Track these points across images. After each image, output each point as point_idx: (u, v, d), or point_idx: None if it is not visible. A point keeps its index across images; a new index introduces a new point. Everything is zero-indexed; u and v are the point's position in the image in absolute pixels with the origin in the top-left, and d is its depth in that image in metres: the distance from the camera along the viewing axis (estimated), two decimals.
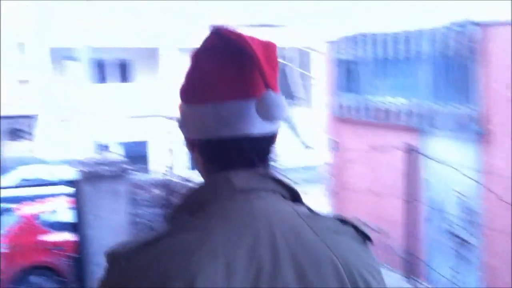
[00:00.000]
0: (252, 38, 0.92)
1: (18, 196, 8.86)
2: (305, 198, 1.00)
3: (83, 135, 14.68)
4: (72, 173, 5.95)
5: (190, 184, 6.32)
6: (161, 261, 0.86)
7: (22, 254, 6.61)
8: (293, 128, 20.78)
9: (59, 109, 15.41)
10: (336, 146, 10.41)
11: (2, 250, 6.66)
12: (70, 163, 6.05)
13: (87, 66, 15.18)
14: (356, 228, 0.99)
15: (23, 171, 11.60)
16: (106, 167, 6.02)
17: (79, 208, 6.26)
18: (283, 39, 18.42)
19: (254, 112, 0.92)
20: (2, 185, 11.06)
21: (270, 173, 0.98)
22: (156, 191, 6.74)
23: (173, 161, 7.10)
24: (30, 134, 14.96)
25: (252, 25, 18.39)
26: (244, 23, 18.18)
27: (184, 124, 1.00)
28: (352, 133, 9.67)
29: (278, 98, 0.91)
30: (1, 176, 11.37)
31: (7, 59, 15.77)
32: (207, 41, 0.96)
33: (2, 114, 14.28)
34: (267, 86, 0.90)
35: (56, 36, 15.36)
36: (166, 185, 6.75)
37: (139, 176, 6.81)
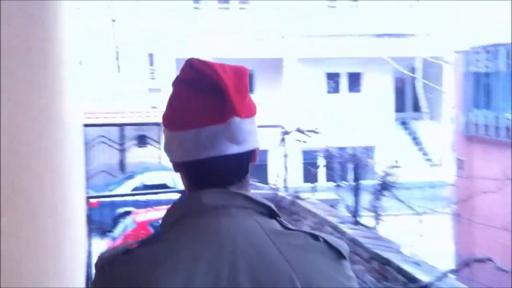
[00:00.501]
0: (223, 67, 1.03)
1: (136, 201, 9.28)
2: (278, 213, 1.06)
3: None
4: None
5: (298, 200, 6.11)
6: (131, 271, 0.98)
7: None
8: (417, 143, 19.77)
9: None
10: (463, 165, 9.61)
11: None
12: None
13: None
14: (329, 244, 1.02)
15: (146, 177, 12.17)
16: None
17: None
18: (412, 48, 17.64)
19: (226, 135, 1.02)
20: (125, 190, 11.72)
21: (243, 190, 1.06)
22: None
23: (285, 173, 6.89)
24: (157, 141, 15.73)
25: (379, 35, 17.87)
26: (372, 32, 17.73)
27: (168, 148, 1.09)
28: (481, 152, 8.85)
29: (243, 123, 1.02)
30: (125, 181, 12.06)
31: (138, 68, 16.81)
32: (182, 73, 1.06)
33: (132, 121, 15.22)
34: (234, 112, 1.00)
35: (181, 47, 16.01)
36: (273, 200, 6.60)
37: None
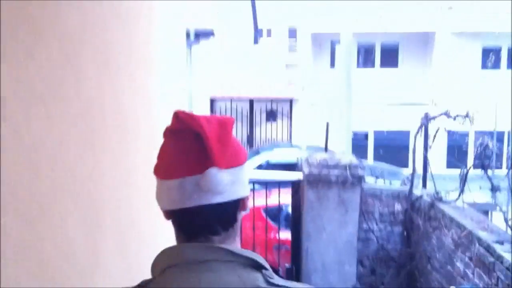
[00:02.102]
0: (208, 119, 1.07)
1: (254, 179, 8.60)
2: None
3: (339, 123, 14.10)
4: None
5: (439, 203, 4.87)
6: None
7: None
8: None
9: (320, 94, 15.12)
10: None
11: None
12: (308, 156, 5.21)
13: (350, 50, 14.46)
14: None
15: (272, 154, 11.52)
16: (336, 171, 5.00)
17: (296, 214, 5.43)
18: None
19: (203, 185, 1.05)
20: (250, 166, 11.17)
21: (229, 240, 1.09)
22: (396, 205, 5.45)
23: (425, 164, 5.62)
24: (288, 117, 15.01)
25: None
26: None
27: (158, 196, 1.12)
28: None
29: (221, 173, 1.05)
30: (251, 157, 11.51)
31: (276, 44, 16.16)
32: (171, 125, 1.10)
33: (265, 96, 14.64)
34: (212, 163, 1.03)
35: (320, 22, 15.05)
36: (407, 198, 5.40)
37: (376, 185, 5.59)
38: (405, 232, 5.44)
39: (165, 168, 1.09)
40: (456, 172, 6.32)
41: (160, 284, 1.05)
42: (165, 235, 3.79)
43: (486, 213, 5.39)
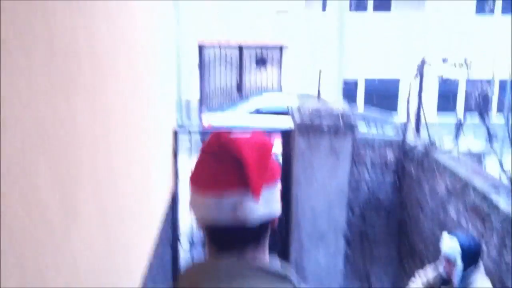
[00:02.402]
0: (247, 143, 1.10)
1: (248, 126, 8.45)
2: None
3: (330, 69, 13.84)
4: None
5: (433, 152, 4.76)
6: None
7: None
8: None
9: (311, 40, 14.77)
10: None
11: None
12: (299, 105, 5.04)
13: None
14: None
15: (262, 101, 11.32)
16: (329, 120, 4.85)
17: (286, 164, 5.31)
18: None
19: (247, 204, 1.10)
20: (240, 113, 10.98)
21: (259, 253, 1.15)
22: (389, 153, 5.35)
23: (419, 112, 5.49)
24: (278, 64, 14.71)
25: None
26: None
27: (193, 207, 1.15)
28: None
29: (253, 205, 1.09)
30: (241, 104, 11.31)
31: None
32: (209, 144, 1.14)
33: (256, 43, 14.25)
34: (250, 190, 1.08)
35: None
36: (400, 147, 5.29)
37: (369, 133, 5.46)
38: (397, 181, 5.37)
39: (202, 184, 1.13)
40: (446, 120, 6.20)
41: None
42: (147, 194, 3.63)
43: (480, 161, 5.31)
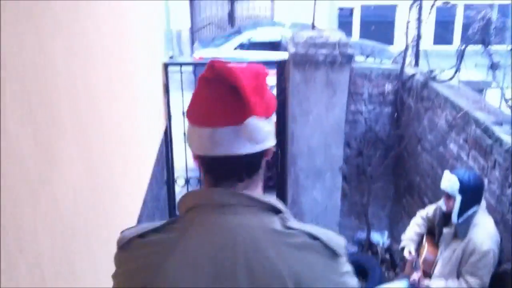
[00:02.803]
0: (243, 70, 1.10)
1: (235, 58, 8.16)
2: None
3: None
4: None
5: (432, 82, 4.59)
6: (145, 255, 1.12)
7: None
8: None
9: None
10: None
11: None
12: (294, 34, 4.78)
13: None
14: (324, 244, 1.11)
15: (254, 33, 10.94)
16: (325, 51, 4.63)
17: (281, 97, 5.12)
18: None
19: (242, 135, 1.10)
20: (231, 46, 10.64)
21: (252, 187, 1.17)
22: (387, 84, 5.17)
23: (418, 40, 5.25)
24: None
25: None
26: None
27: (189, 140, 1.17)
28: None
29: (260, 123, 1.11)
30: (233, 36, 10.94)
31: None
32: (206, 73, 1.12)
33: None
34: (251, 112, 1.08)
35: None
36: (399, 77, 5.11)
37: (366, 64, 5.25)
38: (395, 113, 5.22)
39: (197, 115, 1.14)
40: (446, 48, 5.97)
41: (187, 222, 1.15)
42: (136, 132, 3.47)
43: (481, 91, 5.14)
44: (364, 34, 14.47)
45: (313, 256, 1.10)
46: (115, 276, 1.20)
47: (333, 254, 1.12)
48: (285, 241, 1.10)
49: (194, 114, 1.14)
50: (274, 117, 1.18)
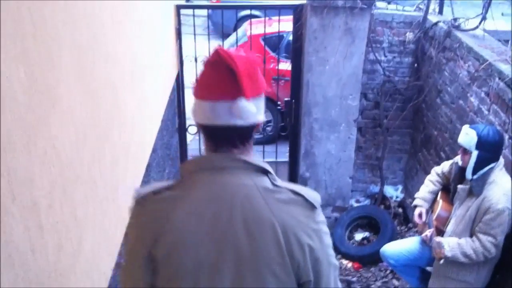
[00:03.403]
0: (240, 57, 1.34)
1: (250, 4, 7.88)
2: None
3: None
4: None
5: (456, 32, 4.37)
6: (158, 208, 1.37)
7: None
8: None
9: None
10: None
11: None
12: None
13: None
14: (305, 198, 1.39)
15: None
16: None
17: (297, 44, 4.95)
18: None
19: (235, 111, 1.34)
20: None
21: (245, 153, 1.41)
22: (408, 33, 4.96)
23: None
24: None
25: None
26: None
27: (193, 112, 1.41)
28: None
29: (248, 103, 1.34)
30: None
31: None
32: (211, 56, 1.37)
33: None
34: (241, 94, 1.32)
35: None
36: (421, 25, 4.89)
37: (387, 11, 5.02)
38: (415, 64, 5.03)
39: (201, 91, 1.38)
40: None
41: (192, 182, 1.39)
42: (143, 77, 3.34)
43: (507, 42, 4.91)
44: None
45: (296, 208, 1.38)
46: (129, 226, 1.44)
47: (312, 206, 1.40)
48: (273, 196, 1.37)
49: (199, 90, 1.38)
50: (263, 98, 1.41)
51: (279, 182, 1.41)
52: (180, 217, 1.34)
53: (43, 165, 1.56)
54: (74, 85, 1.88)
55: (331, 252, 1.46)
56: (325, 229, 1.43)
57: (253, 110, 1.35)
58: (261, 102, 1.41)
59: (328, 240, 1.45)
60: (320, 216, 1.43)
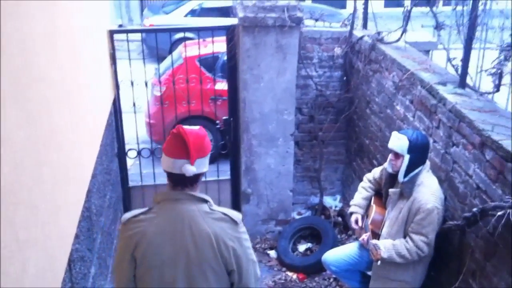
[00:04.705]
0: (192, 132, 2.22)
1: (184, 27, 7.98)
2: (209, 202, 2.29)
3: None
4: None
5: (380, 45, 4.63)
6: (136, 228, 2.23)
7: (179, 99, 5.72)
8: None
9: None
10: None
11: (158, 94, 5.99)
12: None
13: None
14: (230, 218, 2.27)
15: None
16: (274, 14, 4.59)
17: (232, 63, 5.09)
18: None
19: (187, 167, 2.20)
20: (182, 12, 10.42)
21: (192, 190, 2.28)
22: (336, 48, 5.18)
23: (366, 2, 5.26)
24: None
25: None
26: None
27: (162, 161, 2.27)
28: None
29: (191, 166, 2.20)
30: (183, 3, 10.71)
31: None
32: (175, 130, 2.23)
33: None
34: (188, 158, 2.19)
35: None
36: (348, 40, 5.14)
37: (315, 28, 5.24)
38: (345, 77, 5.27)
39: (167, 150, 2.24)
40: (394, 10, 6.01)
41: (159, 209, 2.27)
42: (79, 101, 3.30)
43: (427, 52, 5.23)
44: None
45: (225, 224, 2.25)
46: (119, 239, 2.28)
47: (235, 222, 2.27)
48: (210, 216, 2.25)
49: (166, 149, 2.24)
50: (207, 156, 2.29)
51: (214, 207, 2.28)
52: (151, 232, 2.21)
53: None
54: (12, 115, 1.89)
55: (250, 251, 2.32)
56: (245, 236, 2.30)
57: (195, 170, 2.19)
58: (206, 160, 2.27)
59: (248, 244, 2.31)
60: (241, 228, 2.29)
